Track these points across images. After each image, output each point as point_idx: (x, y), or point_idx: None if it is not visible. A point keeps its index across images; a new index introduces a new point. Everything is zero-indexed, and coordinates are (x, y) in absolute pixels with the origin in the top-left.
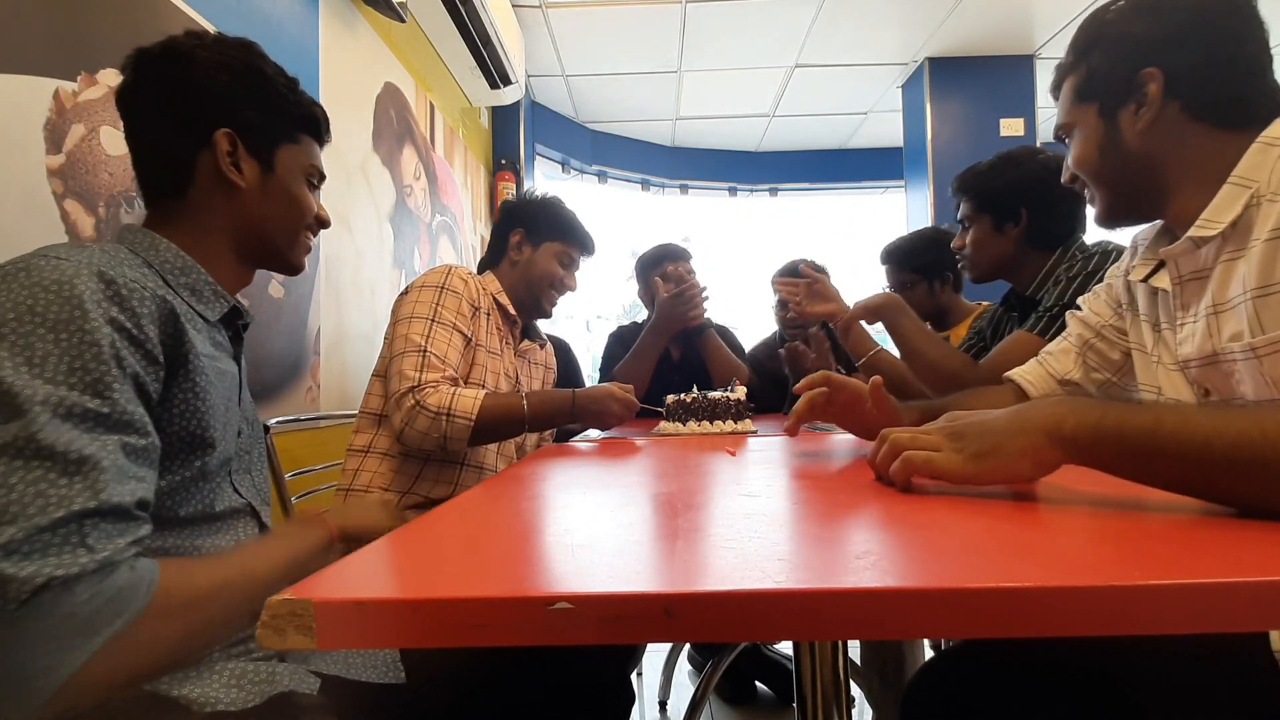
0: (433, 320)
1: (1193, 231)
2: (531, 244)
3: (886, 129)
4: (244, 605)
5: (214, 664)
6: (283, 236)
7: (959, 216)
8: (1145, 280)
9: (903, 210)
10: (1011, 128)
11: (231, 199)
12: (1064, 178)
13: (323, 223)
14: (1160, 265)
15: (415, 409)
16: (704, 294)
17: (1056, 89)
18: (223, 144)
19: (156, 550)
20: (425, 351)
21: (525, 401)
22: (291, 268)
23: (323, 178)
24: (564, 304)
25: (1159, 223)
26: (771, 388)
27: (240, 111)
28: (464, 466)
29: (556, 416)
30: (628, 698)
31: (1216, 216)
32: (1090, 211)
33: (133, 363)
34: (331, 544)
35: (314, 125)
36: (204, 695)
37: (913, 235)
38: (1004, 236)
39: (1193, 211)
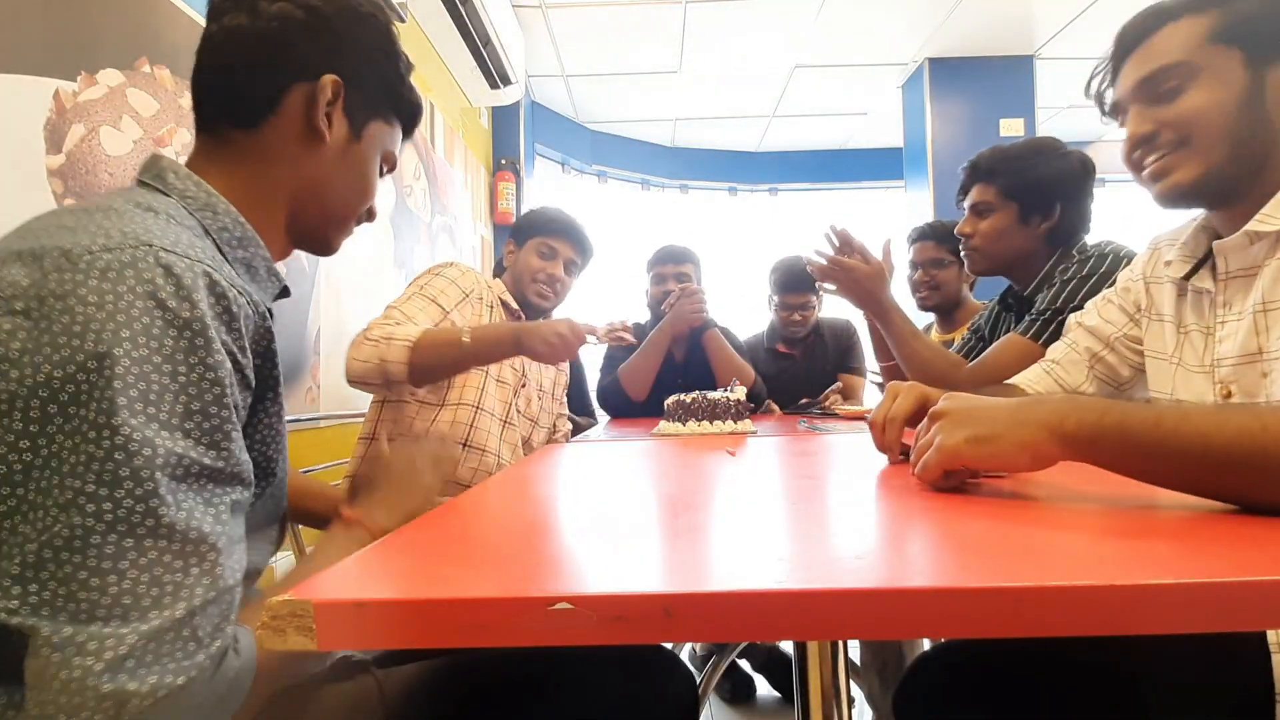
0: (415, 294)
1: (1250, 226)
2: (518, 245)
3: (886, 129)
4: None
5: None
6: (340, 211)
7: (970, 201)
8: (1186, 278)
9: (903, 210)
10: (1011, 128)
11: (308, 151)
12: (1139, 129)
13: (372, 214)
14: (1199, 265)
15: (360, 339)
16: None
17: (1147, 31)
18: (328, 90)
19: None
20: (393, 308)
21: (469, 334)
22: (329, 249)
23: (393, 169)
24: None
25: (1190, 224)
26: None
27: (357, 67)
28: (466, 447)
29: (499, 346)
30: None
31: (1277, 213)
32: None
33: (236, 396)
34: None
35: (412, 116)
36: None
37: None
38: (1029, 229)
39: (1263, 204)
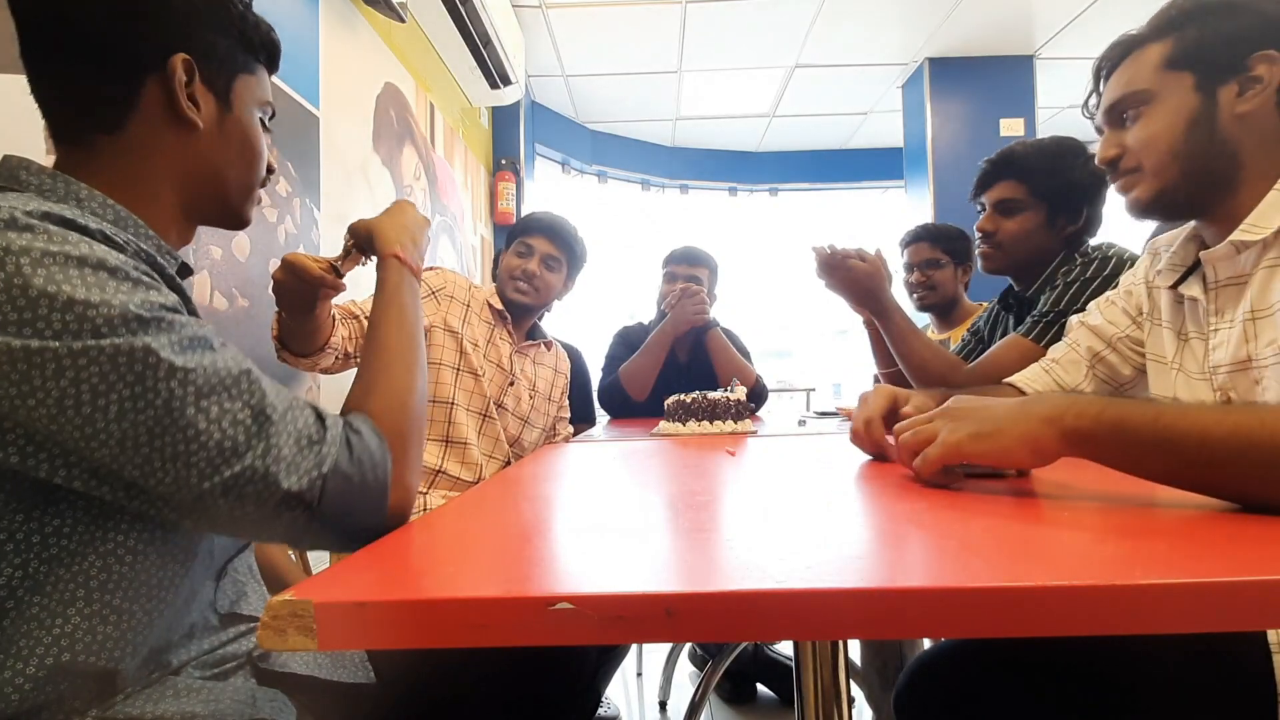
0: None
1: (1236, 235)
2: (505, 251)
3: (886, 129)
4: (410, 360)
5: (190, 680)
6: (239, 187)
7: (994, 197)
8: (1174, 287)
9: (903, 210)
10: (1011, 128)
11: (182, 140)
12: (1104, 154)
13: (271, 170)
14: (1189, 272)
15: None
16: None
17: (1116, 60)
18: (180, 73)
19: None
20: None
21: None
22: (240, 223)
23: (273, 115)
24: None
25: (1184, 229)
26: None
27: (200, 34)
28: (448, 442)
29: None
30: (594, 701)
31: (1262, 222)
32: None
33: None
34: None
35: (272, 52)
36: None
37: (948, 224)
38: (1053, 231)
39: (1242, 215)
